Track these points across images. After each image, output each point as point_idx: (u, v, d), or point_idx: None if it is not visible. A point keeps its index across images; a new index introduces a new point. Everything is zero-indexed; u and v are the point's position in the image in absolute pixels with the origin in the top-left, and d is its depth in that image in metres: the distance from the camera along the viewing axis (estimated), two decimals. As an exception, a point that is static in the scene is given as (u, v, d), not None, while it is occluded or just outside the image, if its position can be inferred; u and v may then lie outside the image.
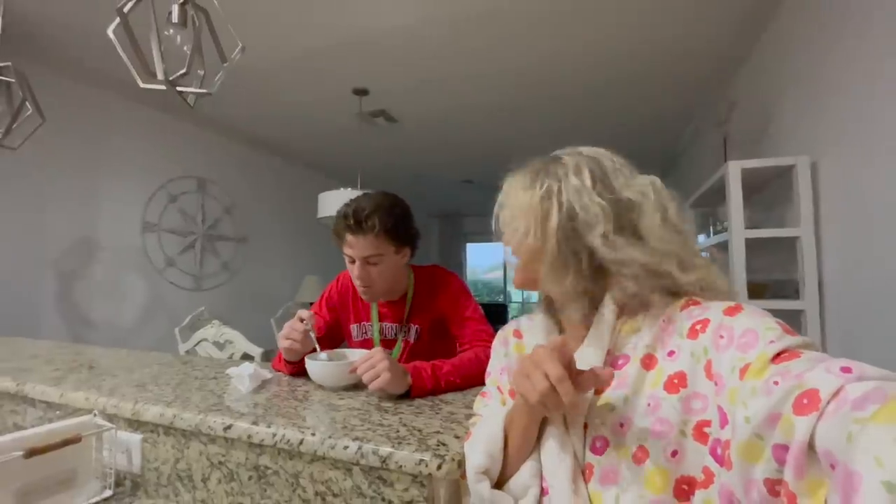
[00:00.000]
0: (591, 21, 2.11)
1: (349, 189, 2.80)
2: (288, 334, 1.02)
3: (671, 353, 0.53)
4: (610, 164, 0.62)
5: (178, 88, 1.21)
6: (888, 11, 1.27)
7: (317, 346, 1.04)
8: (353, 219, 1.05)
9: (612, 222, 0.58)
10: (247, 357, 1.87)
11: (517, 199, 0.63)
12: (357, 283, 1.13)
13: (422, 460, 0.61)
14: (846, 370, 0.36)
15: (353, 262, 1.11)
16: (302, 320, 1.02)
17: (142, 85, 1.18)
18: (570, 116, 3.26)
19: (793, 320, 1.70)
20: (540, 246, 0.61)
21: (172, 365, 1.20)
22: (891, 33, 1.26)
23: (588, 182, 0.60)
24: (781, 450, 0.37)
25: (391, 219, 1.07)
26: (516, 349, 0.73)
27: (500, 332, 0.79)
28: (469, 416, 0.74)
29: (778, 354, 0.42)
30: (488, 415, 0.67)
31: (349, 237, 1.07)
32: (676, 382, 0.51)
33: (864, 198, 1.41)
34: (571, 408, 0.52)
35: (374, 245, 1.07)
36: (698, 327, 0.52)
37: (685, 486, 0.48)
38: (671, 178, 4.60)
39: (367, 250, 1.07)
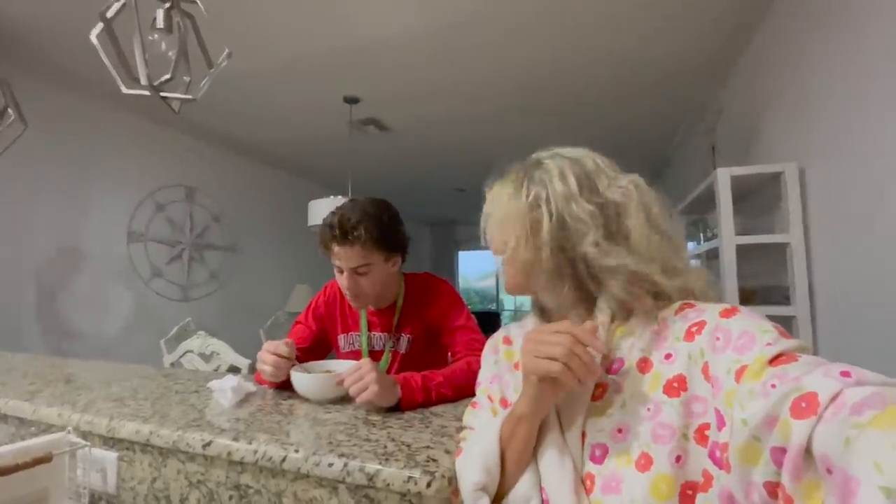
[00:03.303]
0: (579, 29, 2.12)
1: (339, 197, 2.78)
2: (271, 363, 0.97)
3: (668, 356, 0.52)
4: (593, 166, 0.62)
5: (163, 94, 1.19)
6: (877, 19, 1.29)
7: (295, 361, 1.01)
8: (339, 229, 1.03)
9: (602, 228, 0.57)
10: (233, 369, 1.83)
11: (504, 208, 0.62)
12: (346, 293, 1.11)
13: (410, 478, 0.58)
14: (845, 374, 0.36)
15: (341, 271, 1.09)
16: (284, 349, 0.98)
17: (125, 90, 1.16)
18: (559, 124, 3.27)
19: (784, 326, 1.68)
20: (532, 257, 0.60)
21: (153, 378, 1.16)
22: (880, 40, 1.28)
23: (574, 187, 0.59)
24: (779, 452, 0.37)
25: (378, 227, 1.05)
26: (506, 357, 0.71)
27: (489, 341, 0.77)
28: (460, 430, 0.71)
29: (775, 357, 0.42)
30: (480, 427, 0.65)
31: (336, 248, 1.05)
32: (676, 386, 0.50)
33: (852, 204, 1.42)
34: (592, 366, 0.50)
35: (362, 255, 1.05)
36: (694, 329, 0.51)
37: (689, 492, 0.47)
38: (660, 185, 4.63)
39: (354, 261, 1.05)
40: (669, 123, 3.29)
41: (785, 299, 1.73)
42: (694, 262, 0.63)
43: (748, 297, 1.82)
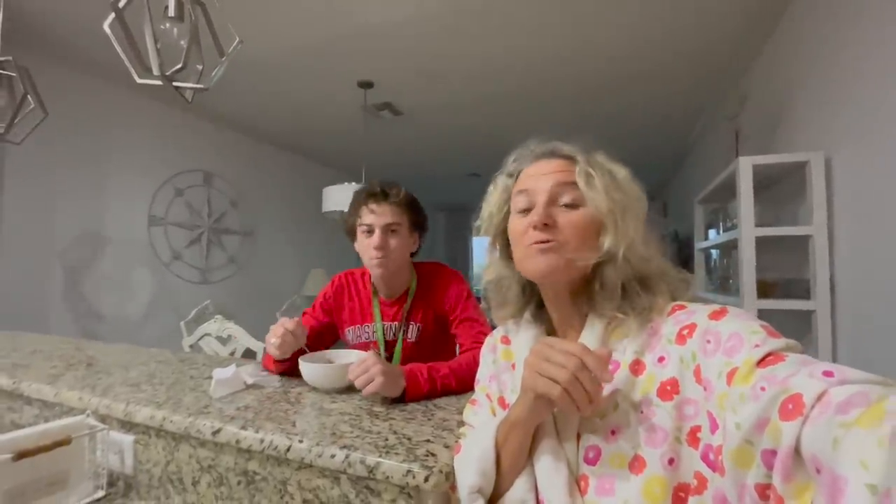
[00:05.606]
0: (600, 13, 2.05)
1: (353, 184, 2.78)
2: (279, 335, 0.99)
3: (661, 360, 0.52)
4: None
5: (175, 84, 1.19)
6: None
7: (305, 348, 1.03)
8: (379, 188, 1.14)
9: None
10: (249, 353, 1.87)
11: (631, 189, 0.60)
12: (373, 253, 1.12)
13: (409, 471, 0.59)
14: (828, 374, 0.37)
15: (370, 233, 1.13)
16: (299, 329, 1.01)
17: (138, 80, 1.17)
18: (579, 110, 3.20)
19: (803, 321, 1.66)
20: (619, 238, 0.57)
21: (170, 363, 1.20)
22: (912, 24, 1.20)
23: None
24: (770, 455, 0.37)
25: (410, 195, 1.19)
26: (504, 356, 0.71)
27: (487, 339, 0.77)
28: (461, 425, 0.72)
29: (763, 358, 0.42)
30: (479, 426, 0.65)
31: (372, 205, 1.13)
32: (670, 389, 0.50)
33: (879, 196, 1.36)
34: (595, 396, 0.48)
35: (397, 213, 1.14)
36: (685, 332, 0.51)
37: (682, 494, 0.47)
38: (682, 173, 4.52)
39: (389, 216, 1.13)
40: (692, 110, 3.19)
41: (805, 293, 1.68)
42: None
43: (767, 290, 1.77)
